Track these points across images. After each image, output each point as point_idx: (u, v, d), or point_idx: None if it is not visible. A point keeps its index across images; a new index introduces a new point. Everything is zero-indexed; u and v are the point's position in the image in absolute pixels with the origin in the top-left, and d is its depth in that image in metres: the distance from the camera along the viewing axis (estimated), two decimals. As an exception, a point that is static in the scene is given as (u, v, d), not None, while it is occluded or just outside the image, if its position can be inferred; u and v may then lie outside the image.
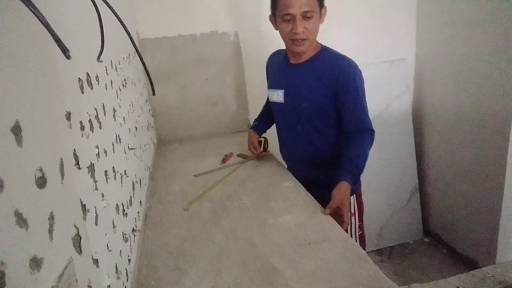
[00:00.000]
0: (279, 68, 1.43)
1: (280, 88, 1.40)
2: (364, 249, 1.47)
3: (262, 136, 1.65)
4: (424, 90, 2.37)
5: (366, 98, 1.32)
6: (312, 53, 1.33)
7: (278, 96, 1.41)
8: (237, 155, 1.75)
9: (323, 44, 1.35)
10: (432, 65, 2.27)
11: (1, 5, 0.38)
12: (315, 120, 1.35)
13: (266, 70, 1.57)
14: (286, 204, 1.21)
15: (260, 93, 2.21)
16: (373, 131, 1.29)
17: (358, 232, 1.40)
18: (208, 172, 1.56)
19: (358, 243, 1.36)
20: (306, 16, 1.21)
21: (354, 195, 1.39)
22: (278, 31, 1.32)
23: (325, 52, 1.33)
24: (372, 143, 1.29)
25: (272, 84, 1.46)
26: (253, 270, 0.88)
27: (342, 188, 1.16)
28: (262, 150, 1.62)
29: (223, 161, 1.68)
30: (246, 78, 2.16)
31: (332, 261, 0.88)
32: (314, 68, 1.31)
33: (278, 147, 1.58)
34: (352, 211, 1.35)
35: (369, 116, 1.30)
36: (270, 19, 1.35)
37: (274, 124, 1.57)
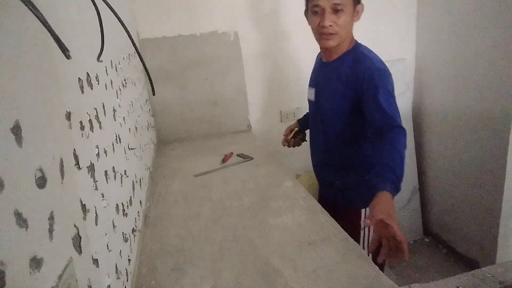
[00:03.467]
0: (316, 66, 1.43)
1: (313, 86, 1.39)
2: (382, 264, 1.42)
3: (300, 128, 1.59)
4: (424, 90, 2.37)
5: None
6: (343, 51, 1.26)
7: (311, 94, 1.40)
8: (237, 155, 1.75)
9: (358, 42, 1.28)
10: (432, 65, 2.27)
11: (1, 5, 0.38)
12: (334, 122, 1.29)
13: None
14: (286, 204, 1.21)
15: (260, 93, 2.22)
16: (404, 129, 1.11)
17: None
18: (208, 172, 1.56)
19: (370, 256, 1.33)
20: (336, 9, 1.16)
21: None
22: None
23: (355, 51, 1.25)
24: (405, 142, 1.09)
25: (309, 82, 1.46)
26: (253, 270, 0.88)
27: (384, 200, 0.97)
28: (290, 137, 1.55)
29: (223, 161, 1.68)
30: (246, 78, 2.16)
31: (332, 261, 0.88)
32: (340, 67, 1.25)
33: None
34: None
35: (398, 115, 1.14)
36: (305, 14, 1.29)
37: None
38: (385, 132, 1.09)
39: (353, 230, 1.29)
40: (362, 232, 1.33)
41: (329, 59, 1.30)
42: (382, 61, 1.22)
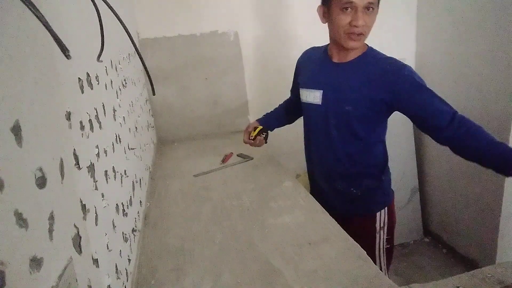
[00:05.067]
0: (318, 67, 1.29)
1: (318, 88, 1.26)
2: (390, 264, 1.40)
3: (265, 127, 1.52)
4: (424, 90, 2.37)
5: None
6: (359, 52, 1.20)
7: (314, 97, 1.27)
8: (237, 155, 1.75)
9: (371, 47, 1.24)
10: (432, 65, 2.27)
11: (1, 5, 0.38)
12: (355, 125, 1.20)
13: (297, 69, 1.45)
14: (286, 204, 1.21)
15: (260, 93, 2.22)
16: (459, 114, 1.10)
17: (386, 246, 1.32)
18: (208, 172, 1.56)
19: (384, 257, 1.32)
20: (368, 8, 1.09)
21: (386, 208, 1.31)
22: (326, 23, 1.20)
23: (373, 52, 1.21)
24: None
25: (307, 83, 1.32)
26: (253, 270, 0.88)
27: None
28: (255, 135, 1.48)
29: (223, 161, 1.68)
30: (246, 78, 2.16)
31: (332, 261, 0.88)
32: (362, 68, 1.18)
33: (304, 153, 1.45)
34: (382, 225, 1.30)
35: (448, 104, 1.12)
36: (319, 10, 1.20)
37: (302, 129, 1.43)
38: (458, 120, 1.08)
39: (369, 235, 1.29)
40: (377, 235, 1.31)
41: (344, 59, 1.22)
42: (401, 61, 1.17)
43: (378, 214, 1.30)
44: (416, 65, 2.40)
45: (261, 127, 1.50)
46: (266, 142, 1.52)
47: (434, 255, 2.34)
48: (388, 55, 1.20)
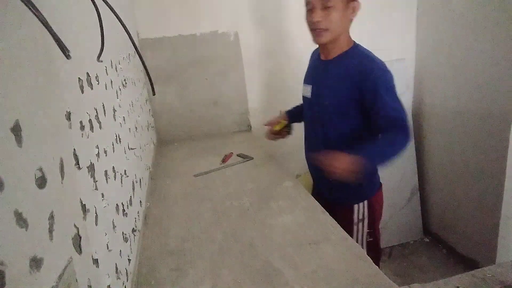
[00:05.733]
0: (313, 63, 1.43)
1: (310, 83, 1.38)
2: (379, 259, 1.45)
3: (288, 121, 1.55)
4: (424, 90, 2.37)
5: None
6: (342, 50, 1.27)
7: (307, 91, 1.39)
8: (237, 155, 1.75)
9: (356, 42, 1.29)
10: (432, 65, 2.27)
11: (1, 5, 0.38)
12: (334, 119, 1.29)
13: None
14: (286, 204, 1.21)
15: (260, 93, 2.22)
16: (406, 128, 1.17)
17: (367, 239, 1.36)
18: (208, 172, 1.56)
19: (365, 249, 1.35)
20: (325, 6, 1.18)
21: (366, 201, 1.34)
22: None
23: (354, 50, 1.26)
24: (405, 141, 1.16)
25: (305, 79, 1.45)
26: (253, 270, 0.88)
27: (345, 154, 1.12)
28: (277, 130, 1.51)
29: (223, 161, 1.68)
30: (246, 78, 2.16)
31: (332, 261, 0.88)
32: (340, 66, 1.26)
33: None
34: (360, 217, 1.33)
35: (403, 114, 1.18)
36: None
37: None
38: (388, 130, 1.18)
39: (346, 226, 1.32)
40: (355, 227, 1.35)
41: (328, 57, 1.30)
42: (384, 63, 1.22)
43: (356, 206, 1.35)
44: (416, 65, 2.41)
45: (286, 122, 1.54)
46: (290, 134, 1.59)
47: (434, 255, 2.34)
48: (375, 55, 1.26)
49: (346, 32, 1.26)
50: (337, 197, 1.40)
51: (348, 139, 1.30)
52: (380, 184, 1.40)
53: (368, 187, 1.36)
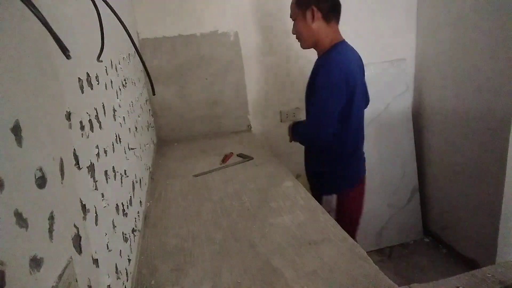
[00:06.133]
0: None
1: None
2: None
3: None
4: (424, 90, 2.37)
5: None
6: (323, 51, 1.40)
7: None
8: (237, 155, 1.75)
9: (338, 44, 1.39)
10: (432, 65, 2.27)
11: (1, 5, 0.38)
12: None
13: None
14: (286, 204, 1.21)
15: (260, 93, 2.22)
16: (313, 123, 1.38)
17: None
18: (208, 172, 1.56)
19: None
20: (293, 19, 1.43)
21: (335, 195, 1.45)
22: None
23: (330, 50, 1.38)
24: (311, 134, 1.40)
25: None
26: (253, 270, 0.88)
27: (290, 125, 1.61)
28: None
29: (223, 161, 1.68)
30: (246, 78, 2.16)
31: (332, 261, 0.88)
32: (315, 66, 1.42)
33: None
34: (328, 209, 1.37)
35: (330, 118, 1.34)
36: None
37: None
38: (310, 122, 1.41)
39: None
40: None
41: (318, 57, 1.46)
42: (339, 63, 1.32)
43: (324, 197, 1.47)
44: (416, 65, 2.41)
45: None
46: None
47: (434, 255, 2.34)
48: (341, 56, 1.37)
49: (322, 36, 1.38)
50: (312, 185, 1.58)
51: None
52: (356, 183, 1.50)
53: (340, 182, 1.46)
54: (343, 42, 1.40)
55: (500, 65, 1.77)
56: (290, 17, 1.43)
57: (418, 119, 2.44)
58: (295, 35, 1.44)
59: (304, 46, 1.45)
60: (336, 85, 1.29)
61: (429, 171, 2.43)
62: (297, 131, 1.52)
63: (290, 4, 1.44)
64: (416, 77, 2.42)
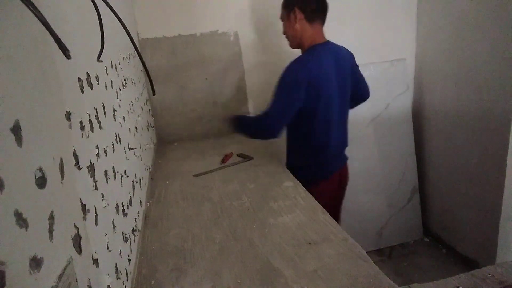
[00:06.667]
0: None
1: None
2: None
3: None
4: (424, 90, 2.37)
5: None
6: (302, 52, 1.50)
7: None
8: (237, 155, 1.75)
9: (315, 46, 1.44)
10: (432, 65, 2.27)
11: (1, 5, 0.38)
12: None
13: None
14: (286, 204, 1.21)
15: (260, 93, 2.22)
16: (263, 121, 1.45)
17: None
18: (208, 172, 1.56)
19: None
20: (282, 21, 1.52)
21: (310, 187, 1.44)
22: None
23: (303, 53, 1.48)
24: (258, 130, 1.50)
25: None
26: (253, 270, 0.88)
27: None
28: None
29: (223, 161, 1.68)
30: (246, 78, 2.16)
31: (332, 261, 0.88)
32: None
33: None
34: None
35: (280, 116, 1.42)
36: None
37: None
38: (259, 117, 1.48)
39: None
40: None
41: None
42: (300, 64, 1.39)
43: None
44: (416, 65, 2.41)
45: None
46: None
47: (434, 255, 2.34)
48: (305, 58, 1.44)
49: (305, 36, 1.45)
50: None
51: (292, 129, 1.53)
52: (323, 179, 1.57)
53: (304, 176, 1.48)
54: (322, 44, 1.45)
55: (500, 65, 1.77)
56: (280, 18, 1.51)
57: (418, 119, 2.44)
58: (285, 35, 1.52)
59: (291, 46, 1.53)
60: (292, 85, 1.37)
61: (429, 171, 2.43)
62: (241, 123, 1.60)
63: None
64: (416, 77, 2.42)
